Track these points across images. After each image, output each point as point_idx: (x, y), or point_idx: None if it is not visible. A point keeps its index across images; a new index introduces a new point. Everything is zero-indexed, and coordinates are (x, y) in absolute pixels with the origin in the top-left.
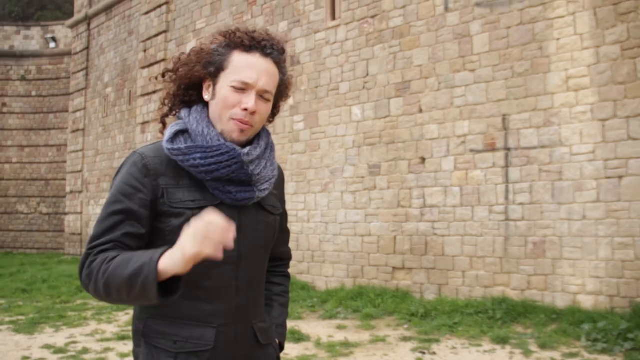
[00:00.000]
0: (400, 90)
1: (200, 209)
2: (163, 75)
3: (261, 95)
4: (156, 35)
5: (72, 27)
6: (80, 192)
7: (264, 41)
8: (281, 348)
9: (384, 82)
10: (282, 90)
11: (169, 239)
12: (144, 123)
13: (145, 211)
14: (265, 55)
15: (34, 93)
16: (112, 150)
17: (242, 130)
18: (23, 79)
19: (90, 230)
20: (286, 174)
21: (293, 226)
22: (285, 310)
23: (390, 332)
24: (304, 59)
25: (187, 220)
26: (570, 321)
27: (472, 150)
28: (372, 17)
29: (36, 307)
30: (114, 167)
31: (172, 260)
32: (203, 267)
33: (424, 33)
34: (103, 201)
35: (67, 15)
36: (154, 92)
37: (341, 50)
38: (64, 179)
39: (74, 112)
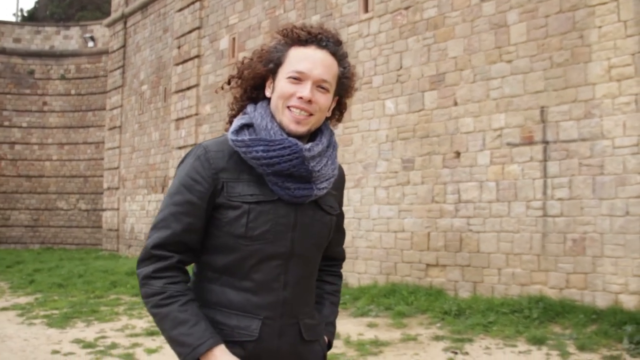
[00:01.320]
0: (434, 82)
1: (258, 203)
2: (229, 82)
3: (318, 85)
4: (190, 32)
5: (109, 26)
6: (117, 188)
7: (319, 34)
8: (329, 346)
9: (417, 74)
10: (345, 84)
11: (225, 230)
12: (177, 119)
13: (203, 204)
14: (321, 47)
15: (73, 92)
16: (147, 147)
17: (298, 122)
18: (63, 78)
19: (126, 227)
20: None
21: None
22: (336, 309)
23: (422, 331)
24: None
25: (243, 213)
26: (611, 322)
27: (508, 144)
28: (406, 8)
29: (70, 302)
30: (150, 163)
31: None
32: (253, 260)
33: (458, 24)
34: (139, 197)
35: (106, 15)
36: (188, 88)
37: (374, 43)
38: (102, 176)
39: (111, 109)
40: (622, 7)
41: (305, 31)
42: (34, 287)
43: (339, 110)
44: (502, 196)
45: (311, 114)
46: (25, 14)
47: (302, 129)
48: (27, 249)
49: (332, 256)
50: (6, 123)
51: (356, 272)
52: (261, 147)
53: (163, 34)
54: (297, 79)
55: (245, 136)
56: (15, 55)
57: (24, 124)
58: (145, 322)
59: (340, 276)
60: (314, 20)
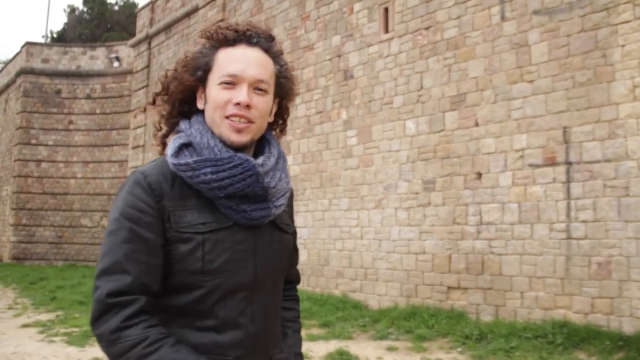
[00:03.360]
0: (455, 103)
1: (212, 232)
2: (153, 102)
3: (255, 87)
4: None
5: (133, 46)
6: None
7: (248, 31)
8: None
9: (438, 95)
10: (283, 85)
11: (178, 267)
12: None
13: (156, 237)
14: (252, 44)
15: (98, 111)
16: None
17: (239, 131)
18: (88, 97)
19: None
20: (339, 189)
21: (346, 243)
22: (300, 337)
23: (442, 355)
24: (357, 73)
25: (197, 245)
26: (639, 349)
27: (530, 165)
28: (426, 28)
29: None
30: None
31: None
32: (216, 296)
33: (479, 44)
34: None
35: (132, 36)
36: None
37: (395, 64)
38: None
39: (135, 128)
40: None
41: (232, 30)
42: (56, 304)
43: (280, 116)
44: (525, 218)
45: (252, 122)
46: (55, 35)
47: (244, 139)
48: (50, 266)
49: (287, 279)
50: (33, 141)
51: (376, 294)
52: (209, 169)
53: None
54: (231, 83)
55: (188, 158)
56: (43, 75)
57: (50, 142)
58: None
59: (297, 300)
60: (334, 41)
